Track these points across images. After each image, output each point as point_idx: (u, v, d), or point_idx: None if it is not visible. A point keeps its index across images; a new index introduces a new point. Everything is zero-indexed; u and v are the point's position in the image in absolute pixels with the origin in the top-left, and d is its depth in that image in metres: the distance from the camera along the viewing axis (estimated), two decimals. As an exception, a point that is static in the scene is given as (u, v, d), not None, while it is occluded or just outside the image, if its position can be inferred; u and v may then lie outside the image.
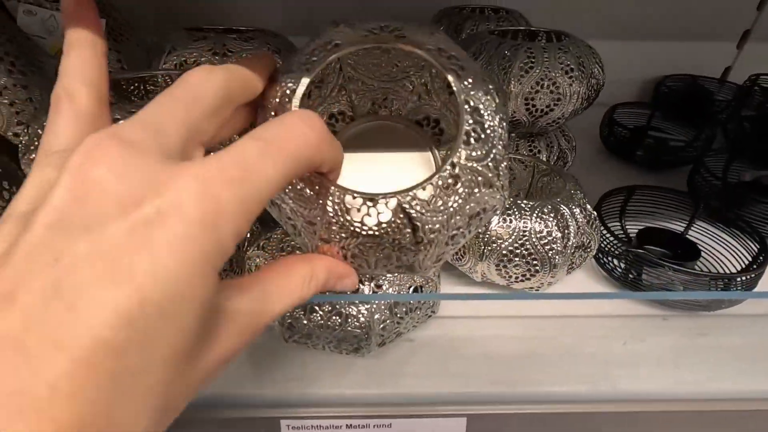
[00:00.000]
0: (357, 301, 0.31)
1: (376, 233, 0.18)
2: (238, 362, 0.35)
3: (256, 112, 0.20)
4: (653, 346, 0.39)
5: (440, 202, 0.18)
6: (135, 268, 0.11)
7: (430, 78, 0.25)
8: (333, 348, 0.34)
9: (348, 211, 0.18)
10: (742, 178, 0.58)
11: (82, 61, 0.17)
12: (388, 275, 0.33)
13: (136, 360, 0.11)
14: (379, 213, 0.18)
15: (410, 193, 0.18)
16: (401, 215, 0.18)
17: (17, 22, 0.54)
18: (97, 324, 0.11)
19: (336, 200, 0.18)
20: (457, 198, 0.19)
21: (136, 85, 0.38)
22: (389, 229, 0.18)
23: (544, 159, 0.51)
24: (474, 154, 0.19)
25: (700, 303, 0.40)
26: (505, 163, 0.21)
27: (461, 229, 0.20)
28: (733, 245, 0.45)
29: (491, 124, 0.20)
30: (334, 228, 0.18)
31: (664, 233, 0.48)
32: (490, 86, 0.21)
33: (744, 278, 0.38)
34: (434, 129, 0.27)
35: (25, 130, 0.43)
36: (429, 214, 0.18)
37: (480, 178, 0.19)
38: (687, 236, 0.48)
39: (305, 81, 0.20)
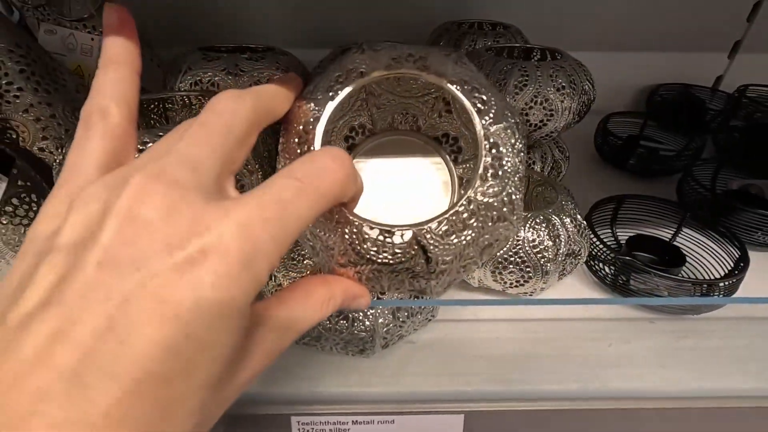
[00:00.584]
0: (362, 306, 0.34)
1: (391, 262, 0.19)
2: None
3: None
4: (640, 347, 0.41)
5: (454, 236, 0.19)
6: (181, 305, 0.12)
7: (452, 99, 0.25)
8: (340, 350, 0.37)
9: (365, 240, 0.19)
10: (730, 186, 0.60)
11: (119, 79, 0.18)
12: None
13: (179, 387, 0.12)
14: (394, 244, 0.19)
15: (426, 227, 0.19)
16: (416, 246, 0.19)
17: (38, 40, 0.57)
18: (147, 357, 0.12)
19: (354, 229, 0.19)
20: (471, 232, 0.20)
21: (156, 104, 0.41)
22: (403, 259, 0.19)
23: (539, 169, 0.53)
24: (490, 190, 0.20)
25: (684, 307, 0.42)
26: (520, 195, 0.21)
27: (473, 259, 0.21)
28: (717, 252, 0.48)
29: (509, 159, 0.20)
30: (351, 254, 0.19)
31: (653, 240, 0.50)
32: (512, 120, 0.21)
33: (724, 284, 0.40)
34: (453, 147, 0.28)
35: (59, 150, 0.46)
36: (443, 246, 0.19)
37: (495, 213, 0.20)
38: (674, 243, 0.50)
39: (330, 107, 0.21)
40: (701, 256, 0.49)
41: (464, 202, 0.20)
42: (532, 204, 0.49)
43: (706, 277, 0.46)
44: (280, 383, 0.37)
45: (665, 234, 0.52)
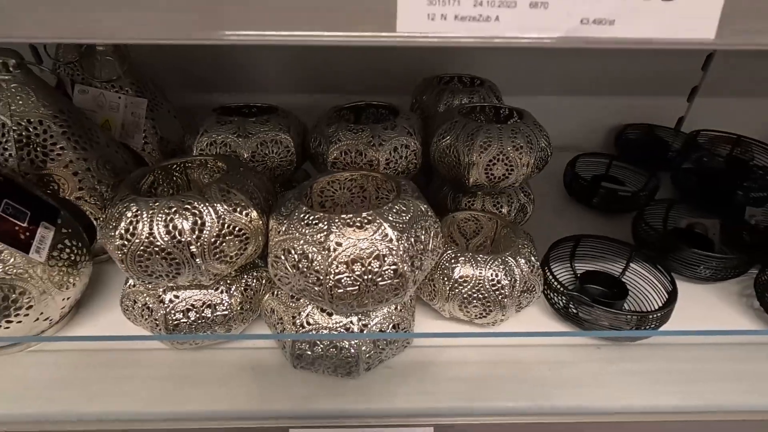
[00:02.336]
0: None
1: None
2: (256, 383, 0.45)
3: None
4: (586, 369, 0.48)
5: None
6: None
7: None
8: (330, 372, 0.44)
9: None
10: (679, 224, 0.68)
11: None
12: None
13: None
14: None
15: None
16: None
17: (73, 100, 0.66)
18: None
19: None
20: None
21: (179, 165, 0.49)
22: None
23: (506, 212, 0.61)
24: None
25: (634, 334, 0.50)
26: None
27: None
28: (657, 286, 0.55)
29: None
30: None
31: (603, 275, 0.58)
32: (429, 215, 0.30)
33: (654, 316, 0.48)
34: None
35: (93, 199, 0.54)
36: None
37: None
38: (622, 278, 0.58)
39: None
40: (645, 289, 0.56)
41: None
42: (501, 244, 0.57)
43: (646, 308, 0.54)
44: (281, 401, 0.44)
45: (617, 268, 0.59)
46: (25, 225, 0.44)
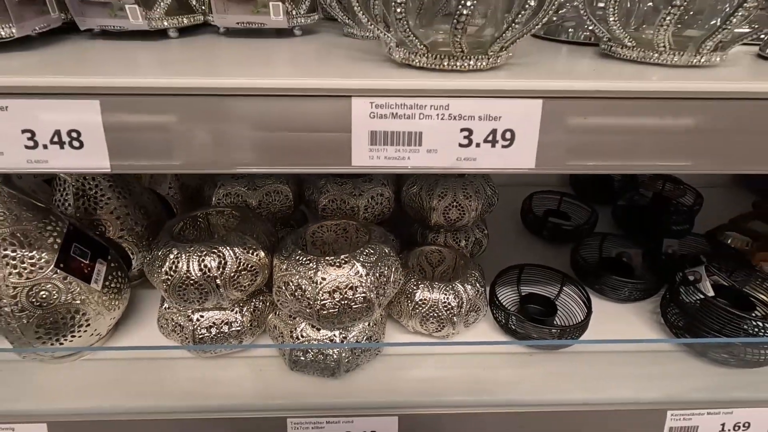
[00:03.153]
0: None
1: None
2: (262, 382, 0.58)
3: None
4: (520, 372, 0.62)
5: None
6: None
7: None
8: (319, 374, 0.57)
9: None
10: (610, 254, 0.83)
11: None
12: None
13: None
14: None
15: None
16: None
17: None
18: None
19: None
20: None
21: (202, 215, 0.63)
22: None
23: (464, 245, 0.75)
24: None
25: (552, 343, 0.63)
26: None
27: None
28: (582, 305, 0.69)
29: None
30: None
31: (541, 296, 0.72)
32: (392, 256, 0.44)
33: (571, 329, 0.62)
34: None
35: (132, 238, 0.68)
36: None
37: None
38: (557, 300, 0.72)
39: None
40: (573, 308, 0.70)
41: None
42: (459, 271, 0.71)
43: (570, 324, 0.68)
44: (281, 396, 0.57)
45: (553, 291, 0.73)
46: (87, 262, 0.58)
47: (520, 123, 0.33)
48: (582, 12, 0.43)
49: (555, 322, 0.69)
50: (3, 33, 0.39)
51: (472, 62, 0.35)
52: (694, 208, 0.92)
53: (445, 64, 0.35)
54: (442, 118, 0.33)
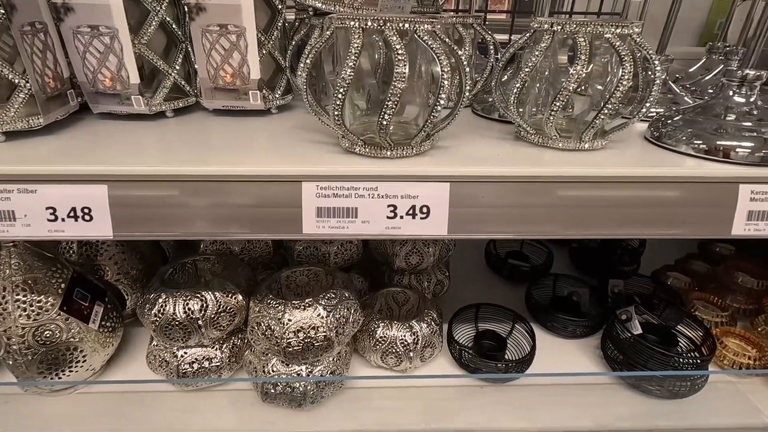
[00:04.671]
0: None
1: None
2: (238, 412, 0.65)
3: None
4: (472, 403, 0.69)
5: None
6: None
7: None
8: (287, 405, 0.64)
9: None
10: (562, 293, 0.91)
11: None
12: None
13: None
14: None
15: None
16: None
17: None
18: None
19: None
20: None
21: (191, 262, 0.72)
22: None
23: (426, 286, 0.84)
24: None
25: (498, 377, 0.71)
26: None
27: None
28: (530, 341, 0.77)
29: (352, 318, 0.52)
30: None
31: (494, 333, 0.80)
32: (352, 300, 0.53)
33: (516, 363, 0.69)
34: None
35: (127, 281, 0.76)
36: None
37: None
38: (509, 336, 0.80)
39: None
40: (522, 344, 0.78)
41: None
42: (420, 308, 0.79)
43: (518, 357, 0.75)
44: (254, 425, 0.64)
45: (507, 328, 0.81)
46: (86, 304, 0.66)
47: (433, 200, 0.43)
48: (495, 99, 0.53)
49: (506, 357, 0.76)
50: (33, 123, 0.49)
51: (399, 151, 0.45)
52: (639, 249, 1.01)
53: (379, 153, 0.45)
54: (372, 197, 0.43)
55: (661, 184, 0.44)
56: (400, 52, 0.38)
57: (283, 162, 0.44)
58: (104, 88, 0.56)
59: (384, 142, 0.44)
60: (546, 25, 0.45)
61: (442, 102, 0.41)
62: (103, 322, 0.68)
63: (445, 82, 0.40)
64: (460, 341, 0.77)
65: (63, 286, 0.64)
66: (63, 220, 0.42)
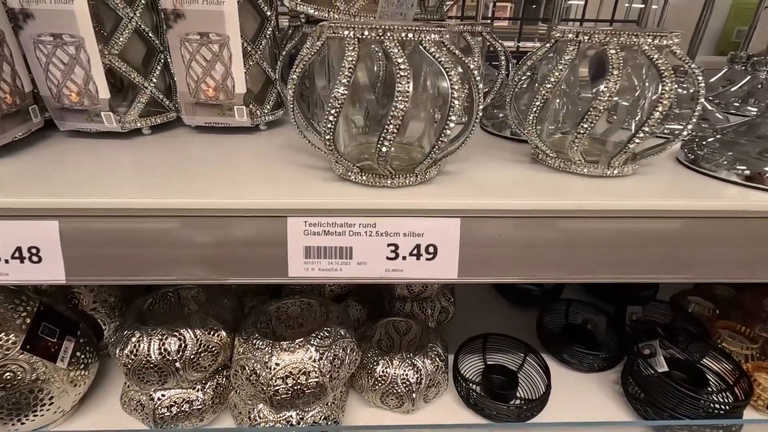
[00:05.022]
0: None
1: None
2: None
3: None
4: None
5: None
6: None
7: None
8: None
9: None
10: (575, 320, 0.84)
11: None
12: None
13: None
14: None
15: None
16: None
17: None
18: None
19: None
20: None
21: (173, 292, 0.66)
22: None
23: (430, 314, 0.77)
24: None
25: (510, 420, 0.64)
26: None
27: None
28: (544, 378, 0.70)
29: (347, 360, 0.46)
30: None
31: (504, 367, 0.73)
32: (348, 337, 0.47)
33: (530, 405, 0.63)
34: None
35: (104, 310, 0.70)
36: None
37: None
38: (520, 371, 0.73)
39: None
40: (535, 379, 0.71)
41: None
42: (424, 338, 0.72)
43: (533, 397, 0.69)
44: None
45: (517, 361, 0.74)
46: (54, 340, 0.59)
47: (442, 238, 0.37)
48: (510, 118, 0.47)
49: (518, 394, 0.69)
50: (-17, 145, 0.43)
51: (402, 179, 0.39)
52: (658, 272, 0.94)
53: (378, 181, 0.39)
54: (370, 235, 0.36)
55: (704, 219, 0.38)
56: (402, 67, 0.32)
57: (267, 191, 0.38)
58: (70, 103, 0.50)
59: (384, 170, 0.37)
60: (570, 35, 0.39)
61: (451, 125, 0.35)
62: (74, 359, 0.61)
63: (456, 102, 0.34)
64: (468, 376, 0.70)
65: (27, 321, 0.57)
66: (6, 261, 0.36)
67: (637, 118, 0.43)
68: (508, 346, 0.76)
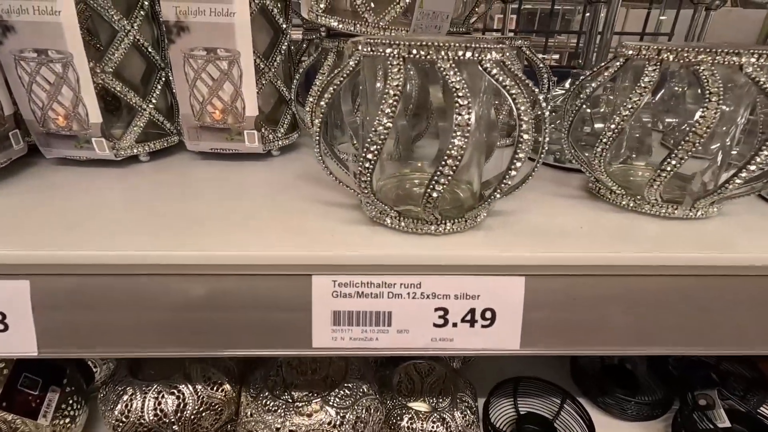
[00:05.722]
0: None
1: None
2: None
3: None
4: None
5: None
6: None
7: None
8: None
9: None
10: (612, 360, 0.77)
11: None
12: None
13: None
14: None
15: None
16: None
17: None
18: None
19: None
20: None
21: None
22: None
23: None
24: None
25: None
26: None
27: None
28: (585, 430, 0.63)
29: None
30: None
31: (539, 416, 0.66)
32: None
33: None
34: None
35: (105, 363, 0.63)
36: None
37: None
38: (556, 420, 0.65)
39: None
40: (577, 430, 0.64)
41: None
42: (449, 384, 0.65)
43: (575, 452, 0.61)
44: None
45: (554, 409, 0.67)
46: (36, 393, 0.52)
47: (501, 301, 0.30)
48: (566, 148, 0.41)
49: (556, 451, 0.62)
50: (-49, 179, 0.37)
51: (448, 226, 0.32)
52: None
53: (420, 227, 0.32)
54: (413, 297, 0.30)
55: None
56: (461, 94, 0.26)
57: (284, 240, 0.31)
58: (57, 128, 0.43)
59: (429, 216, 0.31)
60: (651, 53, 0.33)
61: (519, 164, 0.28)
62: (58, 413, 0.54)
63: (525, 136, 0.27)
64: (499, 426, 0.63)
65: (4, 372, 0.51)
66: (-35, 329, 0.29)
67: (717, 149, 0.36)
68: (543, 390, 0.68)
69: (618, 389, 0.67)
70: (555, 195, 0.42)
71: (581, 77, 0.40)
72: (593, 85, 0.37)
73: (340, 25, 0.43)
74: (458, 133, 0.26)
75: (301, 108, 0.54)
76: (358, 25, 0.42)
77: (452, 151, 0.26)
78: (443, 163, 0.26)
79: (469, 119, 0.25)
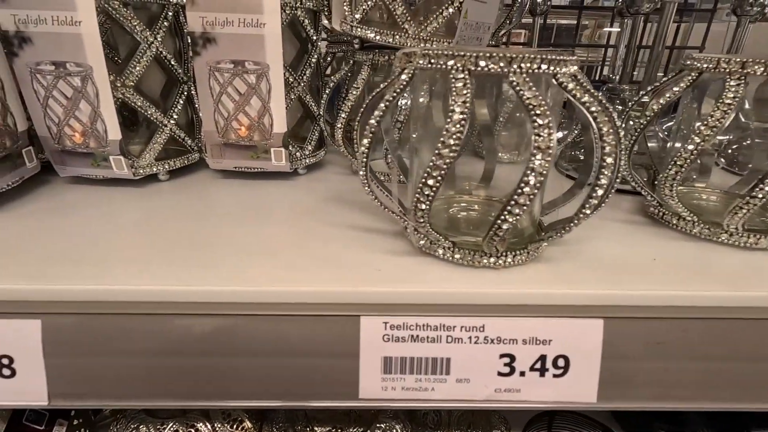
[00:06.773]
0: None
1: None
2: None
3: None
4: None
5: None
6: None
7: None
8: None
9: None
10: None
11: None
12: None
13: None
14: None
15: None
16: None
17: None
18: None
19: None
20: None
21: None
22: None
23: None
24: None
25: None
26: None
27: None
28: (629, 470, 0.58)
29: None
30: None
31: (579, 456, 0.61)
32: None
33: None
34: None
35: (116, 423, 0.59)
36: None
37: None
38: (597, 458, 0.61)
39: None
40: (619, 471, 0.59)
41: None
42: (488, 419, 0.60)
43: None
44: None
45: (593, 444, 0.62)
46: (42, 428, 0.49)
47: (576, 347, 0.26)
48: (624, 171, 0.37)
49: (599, 494, 0.57)
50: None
51: (509, 258, 0.28)
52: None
53: (477, 260, 0.28)
54: (476, 342, 0.26)
55: None
56: (539, 111, 0.22)
57: (323, 274, 0.28)
58: (73, 145, 0.40)
59: (492, 249, 0.27)
60: (733, 66, 0.29)
61: (601, 192, 0.25)
62: (64, 449, 0.50)
63: (609, 159, 0.24)
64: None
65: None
66: (-32, 376, 0.25)
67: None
68: (580, 425, 0.64)
69: (664, 426, 0.62)
70: (611, 220, 0.39)
71: (641, 93, 0.36)
72: (661, 102, 0.33)
73: (377, 37, 0.40)
74: (538, 157, 0.22)
75: (327, 124, 0.51)
76: (397, 37, 0.39)
77: (530, 178, 0.22)
78: (519, 191, 0.23)
79: (551, 141, 0.22)
